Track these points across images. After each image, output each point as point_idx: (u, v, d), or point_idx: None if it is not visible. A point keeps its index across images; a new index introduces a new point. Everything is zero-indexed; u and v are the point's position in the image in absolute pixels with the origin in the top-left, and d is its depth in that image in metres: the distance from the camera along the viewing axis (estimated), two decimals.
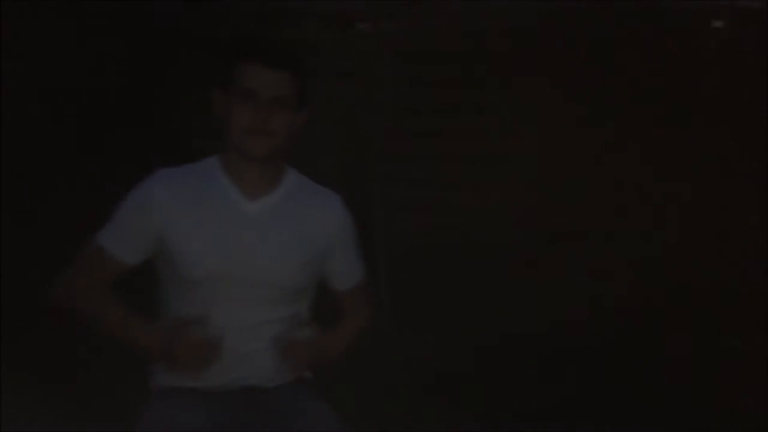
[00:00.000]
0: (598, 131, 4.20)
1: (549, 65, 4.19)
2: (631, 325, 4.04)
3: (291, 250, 1.94)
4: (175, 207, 1.90)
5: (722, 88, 4.16)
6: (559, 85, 4.16)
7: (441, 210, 4.40)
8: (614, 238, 4.23)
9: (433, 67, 4.43)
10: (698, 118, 4.19)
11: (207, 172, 1.96)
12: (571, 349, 3.91)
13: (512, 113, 4.29)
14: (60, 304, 1.97)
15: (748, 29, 4.16)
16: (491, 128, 4.40)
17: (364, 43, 4.43)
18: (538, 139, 4.27)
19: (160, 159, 2.02)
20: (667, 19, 4.19)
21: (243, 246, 1.91)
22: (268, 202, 1.96)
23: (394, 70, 4.41)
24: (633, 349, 3.92)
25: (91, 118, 4.26)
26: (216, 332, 1.87)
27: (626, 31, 4.19)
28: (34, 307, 3.76)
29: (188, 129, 4.19)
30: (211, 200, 1.92)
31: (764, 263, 4.03)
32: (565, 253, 4.22)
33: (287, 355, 1.94)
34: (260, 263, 1.92)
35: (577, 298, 4.11)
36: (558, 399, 3.57)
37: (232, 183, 1.95)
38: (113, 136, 4.26)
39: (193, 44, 4.28)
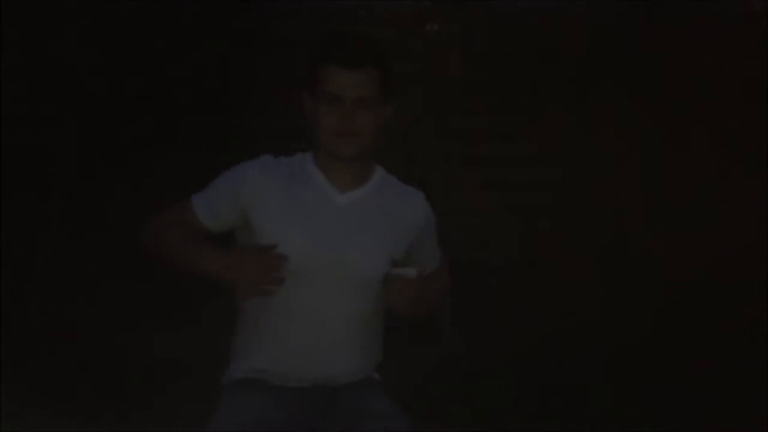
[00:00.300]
0: (673, 136, 4.18)
1: (627, 68, 4.15)
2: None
3: (375, 242, 1.99)
4: (266, 190, 1.98)
5: None
6: (636, 90, 4.14)
7: (507, 214, 4.36)
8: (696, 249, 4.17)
9: (502, 69, 4.35)
10: None
11: (301, 165, 2.04)
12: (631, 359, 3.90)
13: (584, 118, 4.25)
14: (146, 241, 2.04)
15: None
16: (559, 133, 4.32)
17: (432, 44, 4.38)
18: (607, 144, 4.23)
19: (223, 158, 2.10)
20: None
21: (329, 234, 1.97)
22: (356, 196, 2.03)
23: (461, 72, 4.36)
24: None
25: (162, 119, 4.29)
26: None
27: (705, 34, 4.14)
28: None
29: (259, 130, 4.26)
30: (301, 190, 2.00)
31: None
32: (629, 263, 4.19)
33: (393, 290, 1.93)
34: (344, 252, 1.96)
35: (641, 306, 4.09)
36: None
37: (323, 177, 2.02)
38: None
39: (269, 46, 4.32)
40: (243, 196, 1.98)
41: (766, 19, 4.13)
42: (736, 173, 4.23)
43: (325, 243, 1.95)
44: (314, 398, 1.99)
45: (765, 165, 4.15)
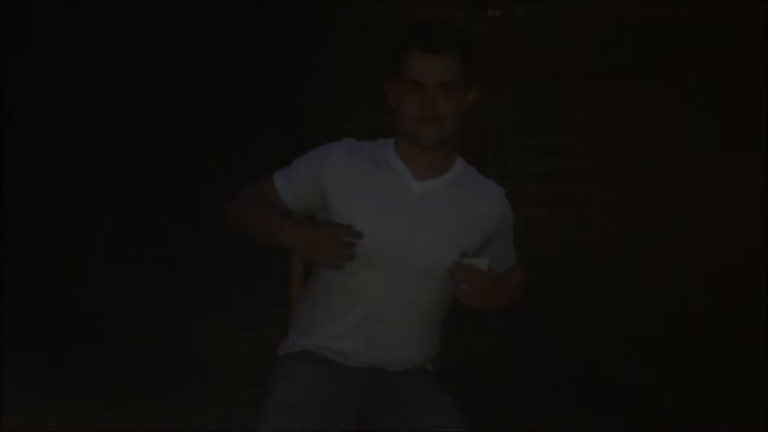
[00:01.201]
0: (731, 129, 4.07)
1: (692, 61, 4.05)
2: None
3: (446, 234, 1.99)
4: (345, 173, 2.01)
5: None
6: (699, 83, 4.04)
7: (561, 204, 4.27)
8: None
9: (563, 56, 4.24)
10: None
11: (382, 151, 2.06)
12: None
13: (643, 110, 4.15)
14: (229, 213, 2.08)
15: None
16: (618, 124, 4.22)
17: (493, 30, 4.26)
18: (666, 137, 4.13)
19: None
20: None
21: (401, 222, 1.98)
22: (434, 185, 2.03)
23: (521, 59, 4.27)
24: None
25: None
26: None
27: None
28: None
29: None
30: (380, 175, 2.02)
31: None
32: (689, 253, 4.09)
33: (463, 279, 1.91)
34: (413, 240, 1.97)
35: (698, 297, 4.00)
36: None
37: (402, 165, 2.03)
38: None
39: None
40: (323, 176, 2.00)
41: None
42: None
43: (396, 230, 1.96)
44: (369, 379, 2.01)
45: None
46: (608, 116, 4.25)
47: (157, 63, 4.34)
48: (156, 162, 4.35)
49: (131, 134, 4.35)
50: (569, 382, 3.63)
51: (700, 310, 4.03)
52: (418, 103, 1.92)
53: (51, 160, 4.31)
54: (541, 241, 3.89)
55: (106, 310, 4.00)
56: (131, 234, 4.27)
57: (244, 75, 4.34)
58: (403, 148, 2.02)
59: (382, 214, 1.96)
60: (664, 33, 4.11)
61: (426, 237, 1.96)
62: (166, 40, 4.33)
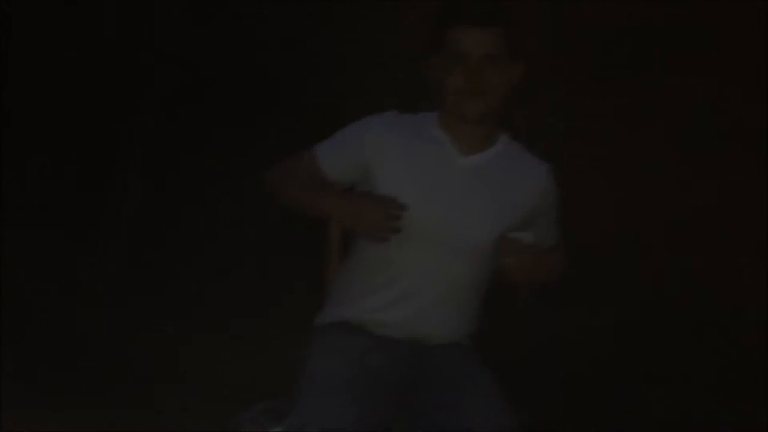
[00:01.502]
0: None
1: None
2: None
3: (489, 209, 1.97)
4: (388, 147, 1.97)
5: None
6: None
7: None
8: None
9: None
10: None
11: (426, 125, 2.02)
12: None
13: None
14: (267, 185, 2.04)
15: None
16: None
17: None
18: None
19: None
20: None
21: (444, 196, 1.95)
22: (479, 160, 2.00)
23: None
24: None
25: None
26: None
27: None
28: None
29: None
30: (423, 149, 1.99)
31: None
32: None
33: (508, 251, 1.90)
34: (456, 216, 1.95)
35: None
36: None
37: (446, 138, 2.00)
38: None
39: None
40: (366, 149, 1.97)
41: None
42: None
43: (441, 204, 1.94)
44: (407, 351, 1.99)
45: None
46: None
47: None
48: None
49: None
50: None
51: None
52: (464, 76, 1.90)
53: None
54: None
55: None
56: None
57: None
58: (447, 122, 1.99)
59: (426, 187, 1.94)
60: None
61: (470, 212, 1.95)
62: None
